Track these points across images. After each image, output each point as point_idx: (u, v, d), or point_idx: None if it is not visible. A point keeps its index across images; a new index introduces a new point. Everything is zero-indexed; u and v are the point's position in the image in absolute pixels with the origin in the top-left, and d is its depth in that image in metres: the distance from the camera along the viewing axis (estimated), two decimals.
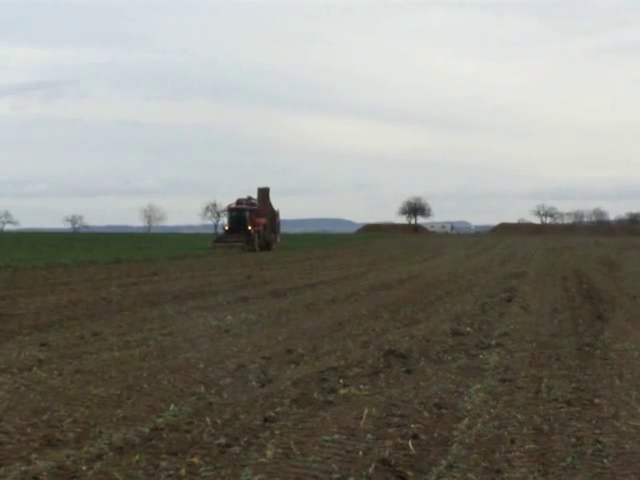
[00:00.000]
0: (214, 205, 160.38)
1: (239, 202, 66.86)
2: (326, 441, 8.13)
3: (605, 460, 7.70)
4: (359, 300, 22.52)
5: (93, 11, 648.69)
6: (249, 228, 63.98)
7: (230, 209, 67.25)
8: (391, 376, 11.46)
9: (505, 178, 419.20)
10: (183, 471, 7.22)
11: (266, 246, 65.62)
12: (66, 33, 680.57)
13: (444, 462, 7.58)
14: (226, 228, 66.58)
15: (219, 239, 65.65)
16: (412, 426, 8.71)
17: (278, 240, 70.49)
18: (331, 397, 10.05)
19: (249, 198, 67.54)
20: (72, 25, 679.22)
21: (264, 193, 68.64)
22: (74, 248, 65.79)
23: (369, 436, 8.33)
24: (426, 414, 9.28)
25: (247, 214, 65.02)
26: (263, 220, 66.33)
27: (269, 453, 7.67)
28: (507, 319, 18.00)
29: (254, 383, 10.95)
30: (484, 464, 7.56)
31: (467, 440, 8.28)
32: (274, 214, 69.69)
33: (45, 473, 7.13)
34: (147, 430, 8.48)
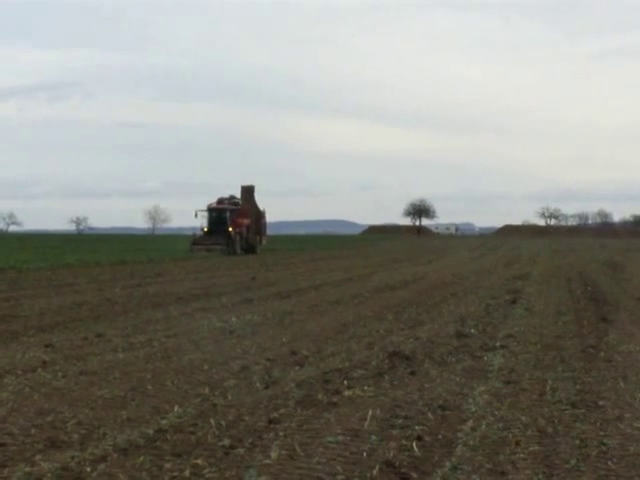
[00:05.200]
0: None
1: (220, 201, 62.18)
2: (330, 442, 8.13)
3: (610, 462, 7.69)
4: (363, 302, 22.50)
5: (99, 13, 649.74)
6: (229, 229, 59.52)
7: (210, 209, 61.45)
8: (395, 378, 11.45)
9: (509, 180, 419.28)
10: (187, 472, 7.22)
11: (250, 249, 61.08)
12: (71, 35, 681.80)
13: (448, 464, 7.57)
14: (205, 229, 61.05)
15: (196, 241, 60.13)
16: (416, 428, 8.70)
17: (264, 242, 65.27)
18: (335, 398, 10.04)
19: (232, 197, 63.01)
20: (78, 27, 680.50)
21: (248, 192, 63.76)
22: (78, 249, 65.87)
23: (373, 437, 8.32)
24: (430, 416, 9.27)
25: (227, 214, 60.42)
26: (246, 221, 61.68)
27: (273, 454, 7.67)
28: (511, 321, 17.98)
29: (258, 385, 10.95)
30: (488, 466, 7.55)
31: (471, 442, 8.27)
32: (259, 214, 64.45)
33: (49, 474, 7.12)
34: (151, 431, 8.48)
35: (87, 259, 46.74)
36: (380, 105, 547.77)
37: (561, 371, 12.06)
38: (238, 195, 63.51)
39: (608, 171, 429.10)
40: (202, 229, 61.35)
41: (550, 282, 30.11)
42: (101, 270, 37.64)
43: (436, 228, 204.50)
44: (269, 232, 68.87)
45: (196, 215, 60.57)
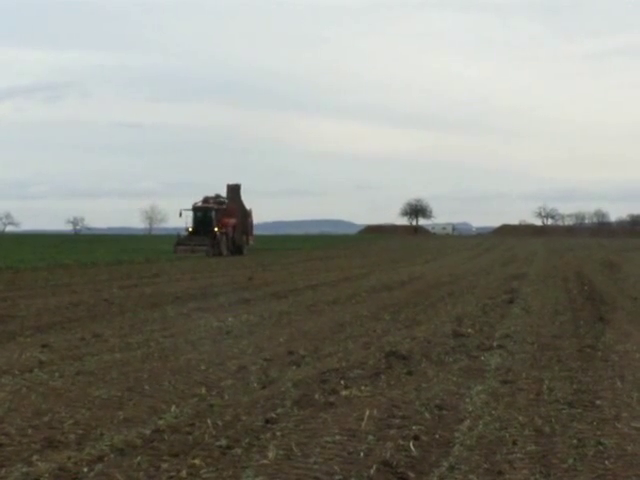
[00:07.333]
0: None
1: (205, 200, 60.14)
2: (327, 442, 8.13)
3: (606, 462, 7.70)
4: (360, 302, 22.52)
5: (96, 13, 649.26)
6: (215, 230, 57.57)
7: (195, 208, 59.26)
8: (392, 377, 11.46)
9: (506, 179, 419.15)
10: (184, 473, 7.22)
11: (236, 250, 59.44)
12: (69, 35, 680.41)
13: (445, 463, 7.58)
14: (189, 229, 58.94)
15: (180, 242, 57.97)
16: (413, 427, 8.71)
17: (251, 243, 63.32)
18: (332, 398, 10.04)
19: (217, 196, 60.89)
20: (75, 27, 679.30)
21: (234, 191, 61.88)
22: (75, 249, 65.83)
23: (370, 437, 8.33)
24: (427, 415, 9.28)
25: (213, 214, 58.41)
26: (232, 221, 59.83)
27: (270, 454, 7.67)
28: (508, 321, 18.00)
29: (255, 384, 10.95)
30: (485, 465, 7.56)
31: (468, 441, 8.28)
32: (246, 214, 62.60)
33: (46, 475, 7.12)
34: (148, 432, 8.48)
35: (84, 259, 46.71)
36: (377, 105, 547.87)
37: (558, 371, 12.08)
38: (224, 194, 61.87)
39: (605, 171, 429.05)
40: (187, 229, 59.50)
41: (547, 282, 30.14)
42: (98, 270, 37.62)
43: (433, 228, 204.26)
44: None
45: (180, 214, 58.83)
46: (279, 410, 9.42)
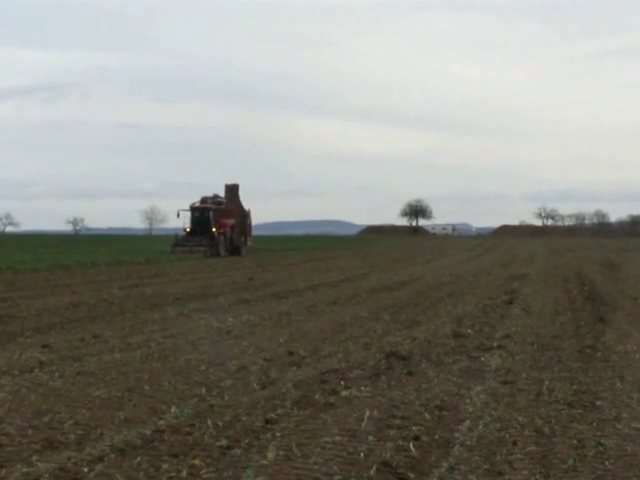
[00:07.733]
0: None
1: (203, 200, 59.53)
2: (327, 443, 8.13)
3: (607, 462, 7.70)
4: (360, 302, 22.51)
5: (97, 14, 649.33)
6: (213, 230, 57.15)
7: (192, 208, 58.67)
8: (392, 378, 11.46)
9: (506, 180, 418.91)
10: (184, 473, 7.22)
11: (235, 250, 58.79)
12: (69, 35, 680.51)
13: (445, 464, 7.58)
14: (187, 230, 58.45)
15: (178, 243, 57.70)
16: (413, 428, 8.71)
17: (249, 243, 62.71)
18: (332, 399, 10.05)
19: (215, 196, 60.37)
20: (75, 27, 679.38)
21: (232, 191, 61.19)
22: (75, 250, 65.79)
23: (370, 438, 8.33)
24: (427, 416, 9.28)
25: (211, 214, 58.00)
26: (230, 221, 59.35)
27: (270, 455, 7.67)
28: (508, 321, 18.00)
29: (255, 385, 10.95)
30: (485, 466, 7.56)
31: (468, 442, 8.28)
32: (244, 214, 61.95)
33: (46, 475, 7.12)
34: (148, 432, 8.48)
35: (84, 260, 46.70)
36: (377, 105, 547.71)
37: (558, 371, 12.08)
38: (222, 194, 61.26)
39: (605, 171, 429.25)
40: (185, 229, 58.94)
41: (547, 282, 30.13)
42: (98, 271, 37.62)
43: (433, 228, 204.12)
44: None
45: (178, 215, 58.26)
46: (279, 410, 9.42)
